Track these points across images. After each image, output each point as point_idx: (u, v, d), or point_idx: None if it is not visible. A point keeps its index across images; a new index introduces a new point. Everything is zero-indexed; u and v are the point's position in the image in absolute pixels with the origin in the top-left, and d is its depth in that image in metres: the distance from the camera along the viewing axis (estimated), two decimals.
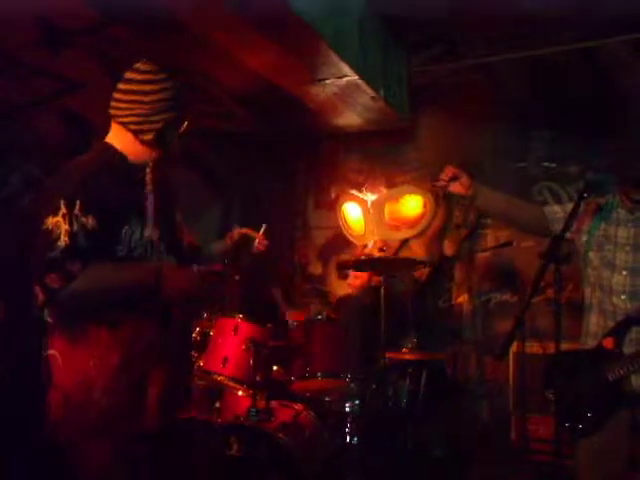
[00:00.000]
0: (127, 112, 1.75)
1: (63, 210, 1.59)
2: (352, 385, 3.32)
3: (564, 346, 2.26)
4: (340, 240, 5.04)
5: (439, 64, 4.14)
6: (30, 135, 3.87)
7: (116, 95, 1.77)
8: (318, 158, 5.08)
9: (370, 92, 3.75)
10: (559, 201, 4.37)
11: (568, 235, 2.33)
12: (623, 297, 2.35)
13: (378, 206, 4.78)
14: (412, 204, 4.71)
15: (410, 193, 4.73)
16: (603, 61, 3.78)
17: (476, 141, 4.64)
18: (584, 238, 2.48)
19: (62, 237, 1.57)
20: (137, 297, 1.71)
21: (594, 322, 2.44)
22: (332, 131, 4.65)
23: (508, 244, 4.17)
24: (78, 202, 1.60)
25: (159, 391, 1.77)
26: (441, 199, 4.64)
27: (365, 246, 4.74)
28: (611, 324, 2.37)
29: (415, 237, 4.72)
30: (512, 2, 3.27)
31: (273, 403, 3.21)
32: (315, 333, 3.42)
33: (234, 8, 2.64)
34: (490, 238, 4.65)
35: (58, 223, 1.58)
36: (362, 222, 4.85)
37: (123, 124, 1.76)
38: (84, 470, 1.70)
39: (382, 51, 3.82)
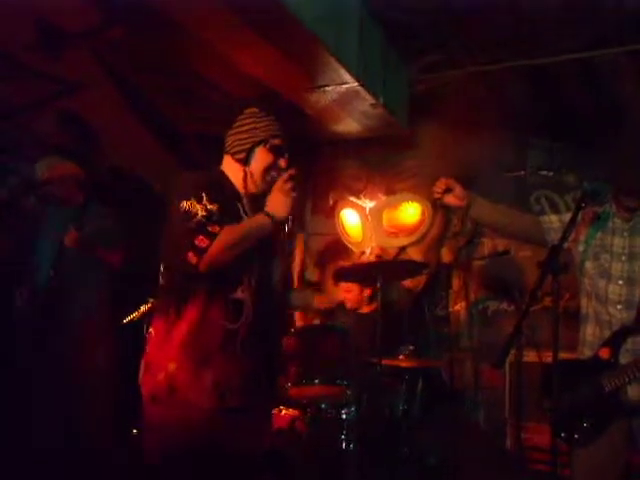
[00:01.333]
0: (230, 143, 2.25)
1: (193, 199, 2.02)
2: (349, 392, 3.31)
3: (561, 355, 2.26)
4: (338, 246, 5.03)
5: (438, 72, 4.14)
6: (29, 137, 3.87)
7: (227, 133, 2.27)
8: (317, 164, 5.08)
9: (370, 99, 3.76)
10: (556, 210, 4.38)
11: (565, 245, 2.34)
12: (619, 307, 2.36)
13: (376, 213, 4.78)
14: (410, 211, 4.72)
15: (408, 200, 4.74)
16: (602, 71, 3.80)
17: (474, 149, 4.65)
18: (581, 248, 2.49)
19: (199, 212, 2.01)
20: (261, 235, 2.10)
21: (590, 332, 2.45)
22: (331, 137, 4.65)
23: (506, 253, 4.17)
24: (204, 194, 2.04)
25: (216, 375, 2.01)
26: (439, 207, 4.64)
27: (363, 253, 4.74)
28: (607, 334, 2.37)
29: (413, 244, 4.72)
30: (512, 10, 3.29)
31: None
32: (312, 339, 3.41)
33: (232, 12, 2.65)
34: (488, 246, 4.66)
35: (192, 204, 2.02)
36: (360, 229, 4.85)
37: (226, 152, 2.25)
38: (148, 432, 2.07)
39: (382, 58, 3.83)
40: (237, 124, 2.26)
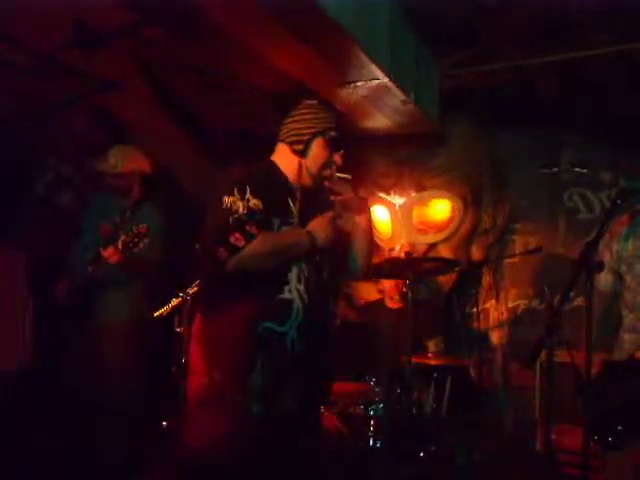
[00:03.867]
0: (286, 131, 2.23)
1: (237, 194, 1.98)
2: (377, 389, 3.31)
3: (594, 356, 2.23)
4: None
5: (469, 67, 4.10)
6: (64, 134, 3.93)
7: (284, 122, 2.26)
8: (346, 161, 5.06)
9: (400, 95, 3.73)
10: (590, 208, 4.30)
11: (601, 243, 2.30)
12: None
13: (406, 210, 4.76)
14: (440, 208, 4.68)
15: (438, 197, 4.70)
16: (637, 65, 3.71)
17: (506, 145, 4.59)
18: (615, 265, 2.46)
19: (240, 208, 1.96)
20: (297, 254, 2.08)
21: (627, 340, 2.41)
22: (361, 133, 4.62)
23: (537, 250, 4.10)
24: (248, 189, 2.00)
25: (265, 381, 1.96)
26: (470, 204, 4.60)
27: (392, 249, 4.73)
28: None
29: (443, 241, 4.69)
30: (544, 3, 3.24)
31: None
32: (340, 336, 3.42)
33: (265, 10, 2.65)
34: (519, 244, 4.60)
35: (234, 200, 1.97)
36: (390, 225, 4.83)
37: (282, 140, 2.23)
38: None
39: (413, 54, 3.80)
40: (295, 113, 2.24)
